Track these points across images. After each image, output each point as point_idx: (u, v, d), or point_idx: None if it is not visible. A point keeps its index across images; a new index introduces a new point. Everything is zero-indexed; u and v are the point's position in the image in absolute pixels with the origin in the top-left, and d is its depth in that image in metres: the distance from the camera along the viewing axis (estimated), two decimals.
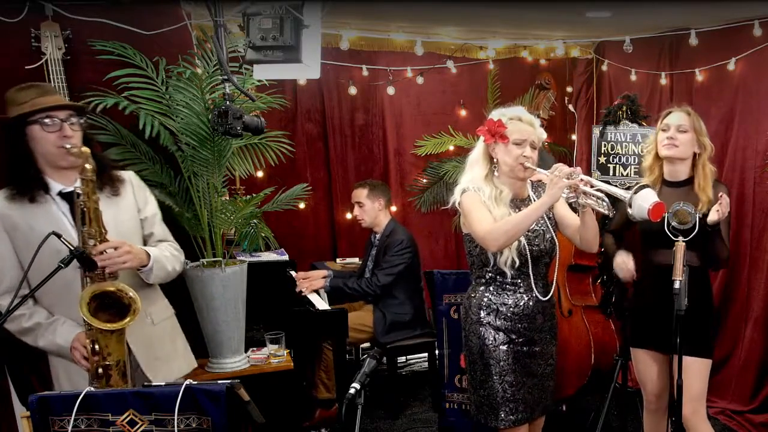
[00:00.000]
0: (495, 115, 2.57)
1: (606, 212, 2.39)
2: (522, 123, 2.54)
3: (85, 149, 2.18)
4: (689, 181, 2.82)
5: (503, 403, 2.57)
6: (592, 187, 2.39)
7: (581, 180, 2.38)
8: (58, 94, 2.38)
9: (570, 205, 2.59)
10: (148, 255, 2.34)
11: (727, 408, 4.02)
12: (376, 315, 4.14)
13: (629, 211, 2.34)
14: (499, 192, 2.55)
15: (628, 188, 2.34)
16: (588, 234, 2.53)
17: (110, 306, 2.21)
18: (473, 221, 2.51)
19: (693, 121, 2.80)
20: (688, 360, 2.60)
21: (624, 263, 2.88)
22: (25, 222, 2.25)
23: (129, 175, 2.50)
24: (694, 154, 2.81)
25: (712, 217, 2.64)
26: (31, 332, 2.31)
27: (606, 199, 2.38)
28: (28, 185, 2.25)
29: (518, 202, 2.61)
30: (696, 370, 2.74)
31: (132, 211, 2.45)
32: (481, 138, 2.59)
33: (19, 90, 2.30)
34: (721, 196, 2.66)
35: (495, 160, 2.58)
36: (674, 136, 2.78)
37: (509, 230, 2.41)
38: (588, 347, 3.62)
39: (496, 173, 2.59)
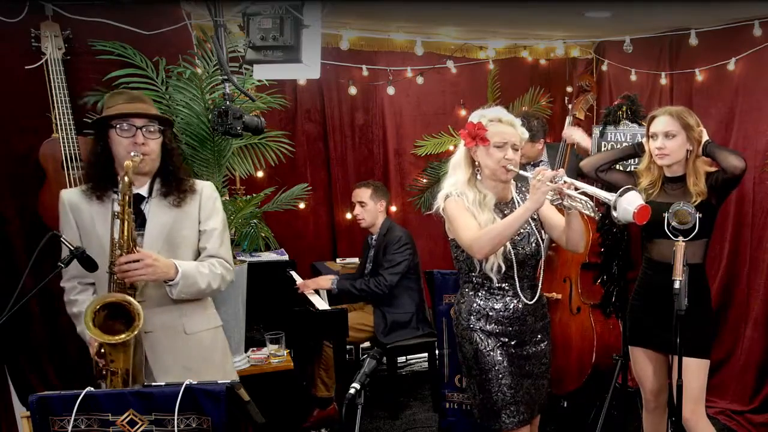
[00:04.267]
0: (475, 117, 2.54)
1: (591, 214, 2.35)
2: (502, 124, 2.51)
3: (127, 163, 2.25)
4: (685, 176, 2.80)
5: (504, 406, 2.56)
6: (576, 189, 2.36)
7: (564, 183, 2.35)
8: (146, 103, 2.44)
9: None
10: (177, 270, 2.34)
11: (727, 408, 4.02)
12: (377, 316, 4.14)
13: (614, 214, 2.28)
14: (483, 197, 2.52)
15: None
16: (574, 236, 2.51)
17: (121, 316, 2.23)
18: (458, 228, 2.49)
19: (679, 120, 2.74)
20: (685, 360, 2.57)
21: None
22: (89, 216, 2.37)
23: (202, 186, 2.52)
24: (688, 151, 2.79)
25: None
26: (75, 318, 2.43)
27: (591, 202, 2.34)
28: (100, 184, 2.37)
29: (502, 206, 2.59)
30: (694, 370, 2.72)
31: (191, 222, 2.47)
32: (462, 141, 2.56)
33: (112, 95, 2.48)
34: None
35: (477, 163, 2.55)
36: (663, 145, 2.74)
37: (494, 238, 2.40)
38: (591, 345, 3.63)
39: (479, 176, 2.57)
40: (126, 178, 2.23)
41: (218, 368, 2.55)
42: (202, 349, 2.51)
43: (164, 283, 2.35)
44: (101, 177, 2.37)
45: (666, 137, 2.75)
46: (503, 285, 2.57)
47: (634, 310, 2.99)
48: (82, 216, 2.37)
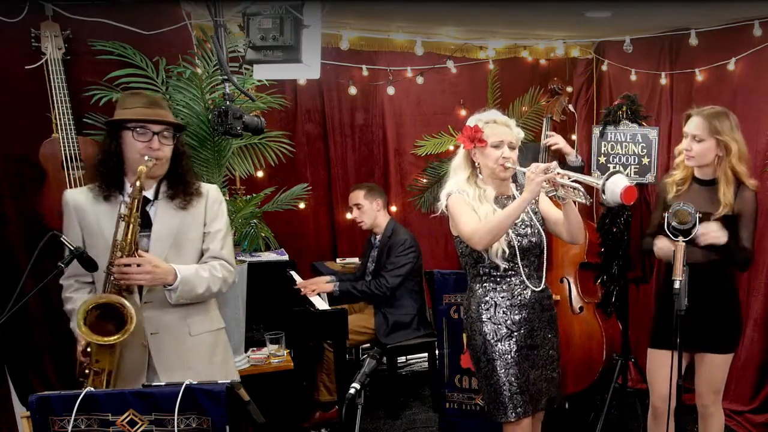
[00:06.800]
0: (471, 121, 2.68)
1: (583, 201, 2.45)
2: (497, 125, 2.65)
3: (141, 168, 2.25)
4: (716, 181, 2.81)
5: (510, 396, 2.61)
6: (569, 179, 2.46)
7: (557, 173, 2.45)
8: (164, 109, 2.43)
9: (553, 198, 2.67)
10: (176, 276, 2.34)
11: (727, 408, 4.00)
12: (378, 317, 4.14)
13: (603, 197, 2.37)
14: (483, 191, 2.65)
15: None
16: (573, 227, 2.61)
17: (113, 317, 2.23)
18: (459, 222, 2.60)
19: (711, 125, 2.74)
20: (712, 356, 2.74)
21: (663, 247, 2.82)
22: (94, 217, 2.35)
23: (208, 189, 2.53)
24: (718, 156, 2.78)
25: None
26: (69, 315, 2.42)
27: (582, 189, 2.43)
28: (108, 184, 2.36)
29: (503, 199, 2.69)
30: (719, 365, 2.83)
31: (197, 224, 2.47)
32: (462, 145, 2.69)
33: (130, 95, 2.47)
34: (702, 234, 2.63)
35: (477, 164, 2.68)
36: (690, 147, 2.78)
37: (492, 228, 2.50)
38: (600, 344, 3.63)
39: (480, 175, 2.69)
40: (138, 183, 2.24)
41: (220, 368, 2.56)
42: (205, 350, 2.52)
43: (163, 288, 2.35)
44: (110, 177, 2.36)
45: (693, 140, 2.78)
46: (510, 273, 2.65)
47: (656, 313, 3.00)
48: (86, 217, 2.36)
